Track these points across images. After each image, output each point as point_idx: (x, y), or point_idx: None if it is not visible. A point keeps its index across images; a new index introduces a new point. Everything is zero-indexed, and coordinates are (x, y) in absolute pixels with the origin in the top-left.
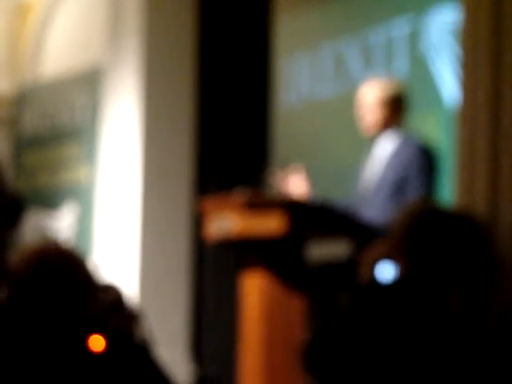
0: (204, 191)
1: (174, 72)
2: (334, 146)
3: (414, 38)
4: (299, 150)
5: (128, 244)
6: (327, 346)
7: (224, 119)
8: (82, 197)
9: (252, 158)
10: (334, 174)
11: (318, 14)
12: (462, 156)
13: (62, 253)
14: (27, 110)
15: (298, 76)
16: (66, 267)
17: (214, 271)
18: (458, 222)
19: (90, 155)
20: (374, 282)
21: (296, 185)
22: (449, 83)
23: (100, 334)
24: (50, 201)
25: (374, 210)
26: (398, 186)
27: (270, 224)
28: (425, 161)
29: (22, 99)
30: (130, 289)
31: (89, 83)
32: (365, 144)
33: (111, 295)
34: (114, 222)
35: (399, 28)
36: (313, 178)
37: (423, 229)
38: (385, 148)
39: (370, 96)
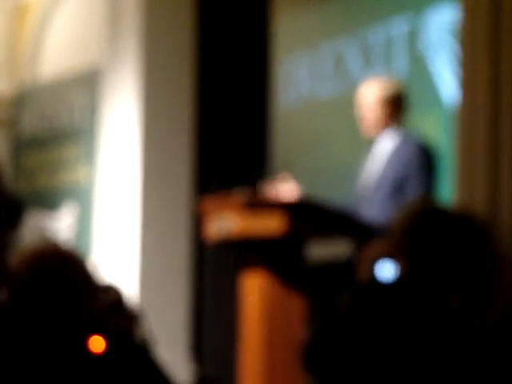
0: (204, 191)
1: (173, 72)
2: (333, 146)
3: (413, 38)
4: (298, 150)
5: (128, 244)
6: (327, 346)
7: (223, 119)
8: (82, 197)
9: (251, 157)
10: (334, 174)
11: (318, 14)
12: (461, 155)
13: (61, 254)
14: (26, 111)
15: (298, 75)
16: (65, 268)
17: (213, 271)
18: (457, 221)
19: (89, 156)
20: (373, 282)
21: (286, 193)
22: (448, 82)
23: (100, 335)
24: (49, 202)
25: (374, 210)
26: (397, 185)
27: (270, 224)
28: (424, 160)
29: (20, 100)
30: (130, 289)
31: (88, 84)
32: (364, 143)
33: (111, 296)
34: (114, 223)
35: (398, 27)
36: (312, 177)
37: (423, 228)
38: (384, 147)
39: (370, 95)
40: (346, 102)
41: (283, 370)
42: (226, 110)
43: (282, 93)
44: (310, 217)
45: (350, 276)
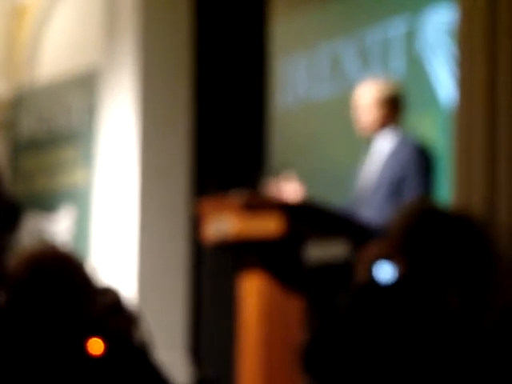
0: (201, 193)
1: (171, 74)
2: (331, 147)
3: (410, 38)
4: (296, 151)
5: (126, 246)
6: (325, 347)
7: (221, 120)
8: (80, 200)
9: (249, 159)
10: (331, 175)
11: (315, 15)
12: (458, 155)
13: (59, 256)
14: (24, 113)
15: (295, 77)
16: (64, 270)
17: (212, 273)
18: (455, 222)
19: (86, 158)
20: (372, 283)
21: (290, 193)
22: (445, 83)
23: (99, 337)
24: (47, 204)
25: (372, 211)
26: (395, 187)
27: (268, 225)
28: (422, 161)
29: (18, 102)
30: (128, 291)
31: (85, 86)
32: (362, 145)
33: (110, 298)
34: (112, 225)
35: (395, 28)
36: (310, 178)
37: (421, 229)
38: (382, 148)
39: (367, 96)
40: (344, 103)
41: (282, 371)
42: (224, 112)
43: (280, 94)
44: (308, 218)
45: (349, 277)
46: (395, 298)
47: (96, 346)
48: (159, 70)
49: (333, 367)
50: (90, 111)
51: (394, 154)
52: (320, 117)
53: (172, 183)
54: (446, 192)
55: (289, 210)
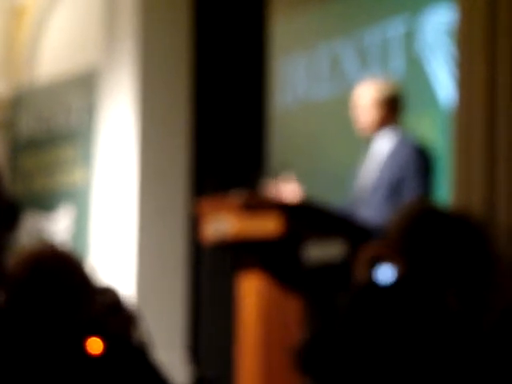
0: (200, 193)
1: (170, 74)
2: (330, 147)
3: (410, 39)
4: (295, 151)
5: (125, 246)
6: (323, 348)
7: (220, 120)
8: (79, 199)
9: (248, 159)
10: (330, 175)
11: (314, 15)
12: (458, 156)
13: (58, 255)
14: (23, 112)
15: (294, 77)
16: (63, 270)
17: (210, 273)
18: (454, 222)
19: (86, 158)
20: (370, 283)
21: (288, 193)
22: (444, 83)
23: (98, 337)
24: (46, 203)
25: (371, 211)
26: (394, 187)
27: (267, 225)
28: (421, 161)
29: (17, 102)
30: (127, 291)
31: (85, 85)
32: (361, 145)
33: (109, 298)
34: (111, 225)
35: (395, 28)
36: (309, 178)
37: (420, 229)
38: (381, 149)
39: (366, 97)
40: (343, 104)
41: (280, 371)
42: (223, 112)
43: (279, 94)
44: (306, 218)
45: (347, 277)
46: (394, 298)
47: (95, 345)
48: (159, 69)
49: (331, 367)
50: (89, 111)
51: (393, 155)
52: (319, 117)
53: (171, 183)
54: (445, 192)
55: (288, 210)
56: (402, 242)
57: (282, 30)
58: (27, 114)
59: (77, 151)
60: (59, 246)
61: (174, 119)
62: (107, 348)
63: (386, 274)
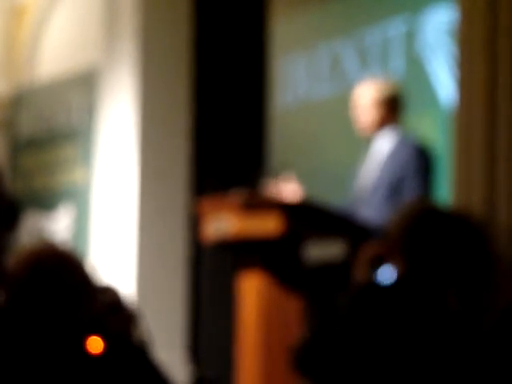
0: (201, 192)
1: (170, 73)
2: (330, 147)
3: (410, 38)
4: (295, 151)
5: (125, 245)
6: (322, 349)
7: (220, 120)
8: (79, 199)
9: (248, 158)
10: (331, 175)
11: (314, 15)
12: (458, 156)
13: (59, 254)
14: (23, 111)
15: (294, 76)
16: (63, 269)
17: (211, 272)
18: (454, 222)
19: (86, 157)
20: (370, 283)
21: (289, 193)
22: (445, 83)
23: (98, 336)
24: (46, 203)
25: (371, 211)
26: (394, 187)
27: (267, 225)
28: (421, 161)
29: (18, 101)
30: (128, 290)
31: (85, 85)
32: (361, 144)
33: (109, 297)
34: (111, 224)
35: (395, 28)
36: (309, 178)
37: (420, 229)
38: (381, 149)
39: (366, 97)
40: (343, 103)
41: (280, 370)
42: (223, 111)
43: (279, 94)
44: (307, 218)
45: (348, 277)
46: (394, 298)
47: (95, 344)
48: (159, 69)
49: (329, 368)
50: (89, 110)
51: (394, 154)
52: (319, 117)
53: (171, 182)
54: (445, 192)
55: (288, 210)
56: (402, 242)
57: (283, 29)
58: (27, 113)
59: (77, 150)
60: (59, 246)
61: (174, 119)
62: (107, 347)
63: (385, 273)
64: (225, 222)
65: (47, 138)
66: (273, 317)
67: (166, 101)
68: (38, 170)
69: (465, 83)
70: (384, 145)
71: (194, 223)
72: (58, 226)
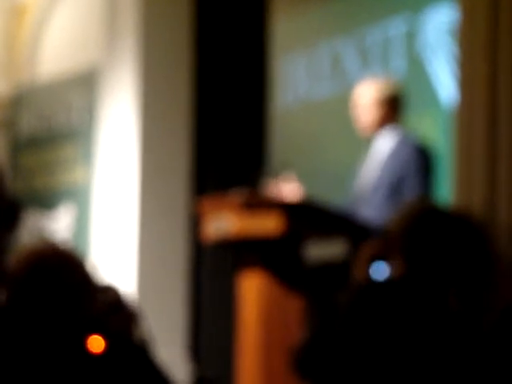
0: (201, 192)
1: (171, 73)
2: (331, 146)
3: (411, 38)
4: (296, 150)
5: (125, 245)
6: (321, 350)
7: (221, 119)
8: (80, 198)
9: (249, 158)
10: (331, 175)
11: (315, 14)
12: (459, 156)
13: (60, 254)
14: (24, 111)
15: (295, 76)
16: (64, 268)
17: (211, 271)
18: (455, 222)
19: (86, 156)
20: (370, 282)
21: (289, 193)
22: (446, 83)
23: (99, 335)
24: (47, 202)
25: (372, 210)
26: (395, 186)
27: (268, 224)
28: (422, 161)
29: (18, 100)
30: (128, 289)
31: (85, 84)
32: (362, 144)
33: (110, 296)
34: (112, 223)
35: (396, 28)
36: (310, 178)
37: (421, 228)
38: (382, 148)
39: (366, 96)
40: (344, 103)
41: (281, 370)
42: (224, 110)
43: (280, 93)
44: (307, 217)
45: (348, 277)
46: (394, 298)
47: (96, 343)
48: (159, 68)
49: (329, 370)
50: (90, 109)
51: (394, 154)
52: (320, 116)
53: (172, 182)
54: (446, 192)
55: (288, 209)
56: (403, 241)
57: (283, 28)
58: (28, 112)
59: (78, 150)
60: (60, 245)
61: (174, 118)
62: (108, 346)
63: (385, 273)
64: (225, 222)
65: (48, 138)
66: (273, 316)
67: (167, 100)
68: (39, 170)
69: (465, 83)
70: (384, 144)
71: (195, 223)
72: (59, 226)
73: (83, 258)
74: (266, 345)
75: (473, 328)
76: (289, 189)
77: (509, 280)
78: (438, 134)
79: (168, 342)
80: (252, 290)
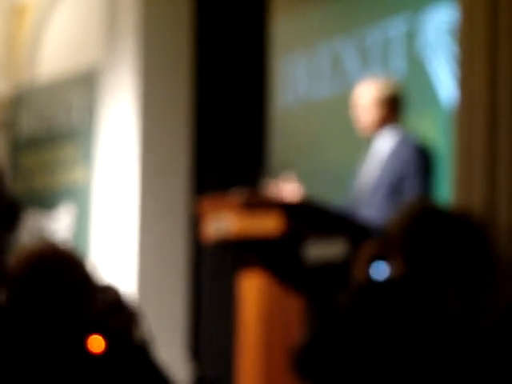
0: (201, 192)
1: (171, 73)
2: (331, 146)
3: (411, 38)
4: (296, 151)
5: (126, 245)
6: (321, 351)
7: (221, 119)
8: (79, 198)
9: (249, 158)
10: (331, 175)
11: (315, 14)
12: (459, 156)
13: (60, 253)
14: (24, 111)
15: (295, 76)
16: (64, 268)
17: (211, 271)
18: (455, 222)
19: (86, 156)
20: (370, 282)
21: (289, 193)
22: (446, 83)
23: (99, 335)
24: (47, 202)
25: (372, 210)
26: (395, 186)
27: (268, 224)
28: (422, 161)
29: (18, 101)
30: (128, 289)
31: (85, 84)
32: (362, 144)
33: (110, 296)
34: (112, 223)
35: (396, 27)
36: (310, 178)
37: (421, 228)
38: (382, 148)
39: (367, 96)
40: (344, 103)
41: (281, 370)
42: (224, 111)
43: (280, 93)
44: (307, 217)
45: (348, 277)
46: (394, 298)
47: (96, 343)
48: (159, 68)
49: (330, 370)
50: (90, 109)
51: (394, 154)
52: (320, 116)
53: (172, 182)
54: (446, 192)
55: (288, 209)
56: (402, 242)
57: (283, 28)
58: (28, 112)
59: (77, 150)
60: (60, 245)
61: (174, 118)
62: (109, 346)
63: (385, 273)
64: (225, 222)
65: (47, 138)
66: (273, 316)
67: (167, 100)
68: (39, 170)
69: (465, 83)
70: (384, 144)
71: (195, 223)
72: (59, 226)
73: (83, 258)
74: (266, 345)
75: (473, 328)
76: (289, 189)
77: (509, 280)
78: (438, 134)
79: (168, 341)
80: (252, 289)
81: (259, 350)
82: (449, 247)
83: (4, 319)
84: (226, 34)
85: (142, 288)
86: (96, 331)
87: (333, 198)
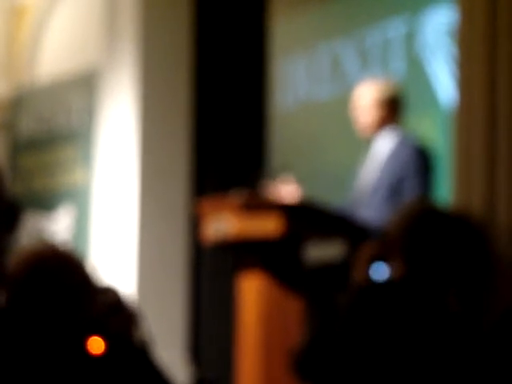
0: (201, 193)
1: (171, 74)
2: (330, 148)
3: (410, 39)
4: (296, 152)
5: (125, 246)
6: (321, 352)
7: (221, 121)
8: (79, 199)
9: (249, 159)
10: (331, 176)
11: (315, 15)
12: (458, 156)
13: (59, 255)
14: (24, 113)
15: (295, 77)
16: (64, 269)
17: (211, 273)
18: (454, 222)
19: (86, 158)
20: (370, 284)
21: (288, 195)
22: (445, 84)
23: (99, 336)
24: (46, 203)
25: (371, 211)
26: (394, 187)
27: (267, 225)
28: (421, 162)
29: (18, 102)
30: (128, 291)
31: (85, 86)
32: (362, 145)
33: (110, 297)
34: (111, 225)
35: (395, 29)
36: (309, 179)
37: (420, 229)
38: (381, 149)
39: (366, 97)
40: (343, 104)
41: (280, 371)
42: (224, 112)
43: (280, 94)
44: (307, 218)
45: (348, 278)
46: (393, 299)
47: (96, 345)
48: (159, 70)
49: (330, 371)
50: (89, 111)
51: (394, 155)
52: (320, 117)
53: (171, 183)
54: (445, 192)
55: (288, 211)
56: (402, 242)
57: (283, 30)
58: (27, 114)
59: (77, 151)
60: (60, 246)
61: (174, 119)
62: (108, 348)
63: (385, 274)
64: (225, 223)
65: (47, 139)
66: (273, 317)
67: (166, 102)
68: (38, 171)
69: (465, 84)
70: (384, 145)
71: (194, 224)
72: (58, 227)
73: (83, 260)
74: (266, 346)
75: (473, 329)
76: (288, 190)
77: (509, 280)
78: (438, 135)
79: (168, 343)
80: (252, 291)
81: (259, 351)
82: (448, 248)
83: (3, 321)
84: (226, 35)
85: (142, 289)
86: (96, 333)
87: (332, 199)
